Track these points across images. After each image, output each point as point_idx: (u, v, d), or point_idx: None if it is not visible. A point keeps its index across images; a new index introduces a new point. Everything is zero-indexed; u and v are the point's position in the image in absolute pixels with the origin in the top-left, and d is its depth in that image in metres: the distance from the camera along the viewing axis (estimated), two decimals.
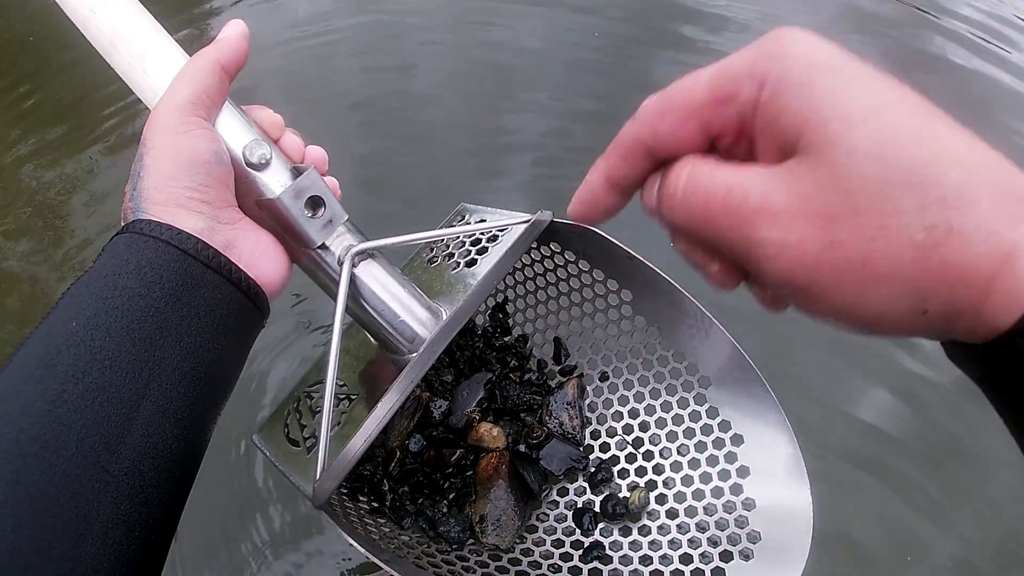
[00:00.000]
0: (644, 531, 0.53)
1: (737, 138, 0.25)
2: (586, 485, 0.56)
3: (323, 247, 0.44)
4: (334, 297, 0.44)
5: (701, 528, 0.51)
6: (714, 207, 0.24)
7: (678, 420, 0.54)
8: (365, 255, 0.46)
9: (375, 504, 0.53)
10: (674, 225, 0.27)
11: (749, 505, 0.48)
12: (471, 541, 0.52)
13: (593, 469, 0.56)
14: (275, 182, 0.42)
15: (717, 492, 0.51)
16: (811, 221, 0.22)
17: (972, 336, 0.22)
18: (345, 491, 0.53)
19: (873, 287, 0.22)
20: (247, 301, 0.39)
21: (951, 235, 0.20)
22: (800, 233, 0.22)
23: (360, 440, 0.41)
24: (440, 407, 0.59)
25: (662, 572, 0.49)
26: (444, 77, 1.11)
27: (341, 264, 0.44)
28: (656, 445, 0.55)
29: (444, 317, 0.46)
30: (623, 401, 0.58)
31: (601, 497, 0.55)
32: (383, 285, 0.46)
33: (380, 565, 0.39)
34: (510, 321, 0.64)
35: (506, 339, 0.64)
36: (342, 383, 0.50)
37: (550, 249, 0.57)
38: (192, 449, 0.37)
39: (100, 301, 0.34)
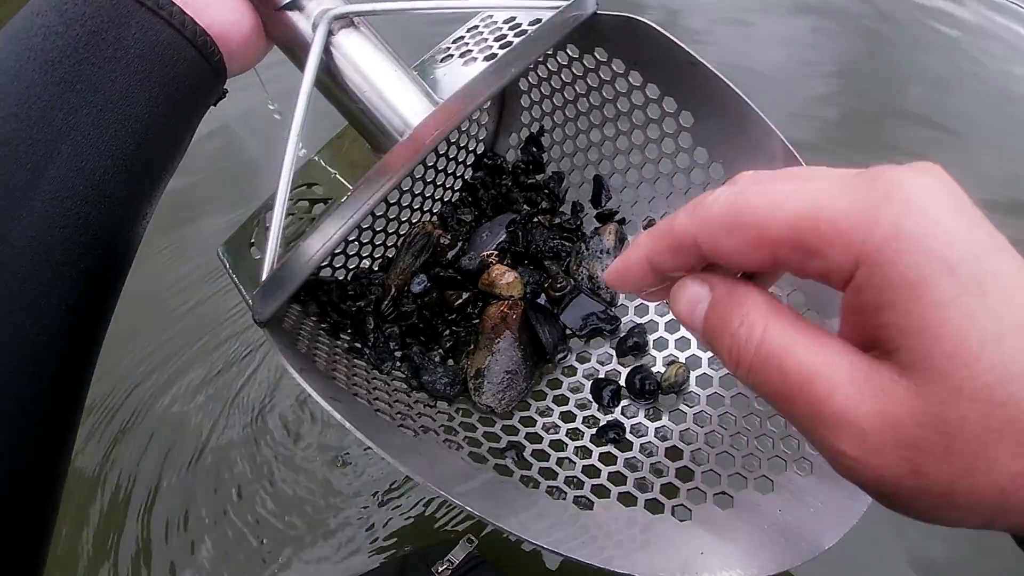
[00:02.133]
0: (677, 417, 0.43)
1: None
2: (613, 352, 0.46)
3: (295, 5, 0.35)
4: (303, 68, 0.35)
5: (749, 425, 0.40)
6: (790, 391, 0.20)
7: None
8: (346, 20, 0.36)
9: (356, 344, 0.45)
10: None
11: None
12: (460, 399, 0.43)
13: (623, 334, 0.46)
14: None
15: None
16: (900, 451, 0.19)
17: None
18: (324, 326, 0.45)
19: (948, 512, 0.20)
20: (192, 51, 0.32)
21: None
22: (886, 460, 0.19)
23: (317, 238, 0.32)
24: (453, 247, 0.49)
25: (692, 472, 0.39)
26: None
27: (315, 30, 0.34)
28: None
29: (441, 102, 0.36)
30: None
31: (629, 369, 0.45)
32: (368, 58, 0.36)
33: (320, 401, 0.31)
34: (544, 156, 0.53)
35: (538, 177, 0.53)
36: (315, 184, 0.41)
37: (595, 59, 0.45)
38: (115, 228, 0.30)
39: (13, 43, 0.29)
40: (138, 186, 0.31)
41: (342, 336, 0.45)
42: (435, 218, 0.53)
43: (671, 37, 0.40)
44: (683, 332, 0.45)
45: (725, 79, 0.40)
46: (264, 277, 0.33)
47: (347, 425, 0.31)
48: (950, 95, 0.86)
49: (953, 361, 0.18)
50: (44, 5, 0.30)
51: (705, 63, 0.40)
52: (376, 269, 0.52)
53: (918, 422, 0.19)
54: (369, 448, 0.31)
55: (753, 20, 0.94)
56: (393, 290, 0.46)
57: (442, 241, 0.49)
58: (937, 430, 0.18)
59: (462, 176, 0.55)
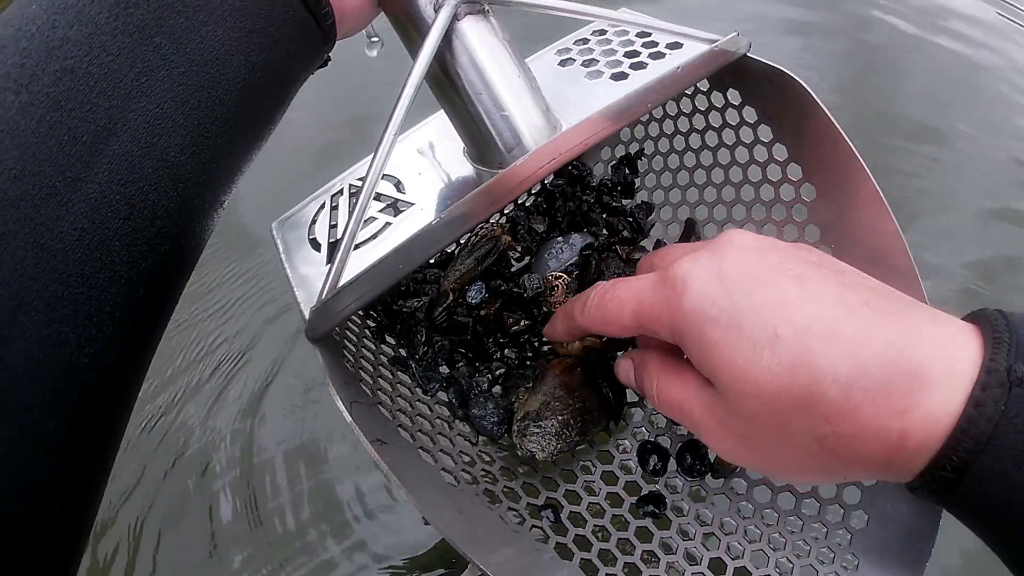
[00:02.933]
0: (720, 503, 0.40)
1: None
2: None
3: None
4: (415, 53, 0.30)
5: (791, 526, 0.37)
6: (677, 414, 0.31)
7: None
8: (476, 6, 0.31)
9: (402, 352, 0.41)
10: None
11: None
12: (501, 440, 0.40)
13: None
14: None
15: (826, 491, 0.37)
16: (734, 439, 0.28)
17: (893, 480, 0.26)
18: (372, 325, 0.41)
19: (791, 474, 0.30)
20: (302, 8, 0.27)
21: (841, 440, 0.24)
22: (728, 443, 0.28)
23: (397, 260, 0.28)
24: (520, 260, 0.45)
25: (725, 565, 0.36)
26: None
27: (438, 11, 0.30)
28: None
29: (562, 128, 0.32)
30: None
31: (683, 441, 0.42)
32: (492, 57, 0.32)
33: (367, 447, 0.28)
34: (637, 181, 0.49)
35: (625, 202, 0.48)
36: (398, 180, 0.37)
37: (724, 99, 0.41)
38: (187, 220, 0.25)
39: None
40: (220, 169, 0.26)
41: (387, 339, 0.41)
42: (505, 220, 0.49)
43: (820, 104, 0.35)
44: None
45: (865, 166, 0.35)
46: (327, 290, 0.29)
47: (393, 479, 0.28)
48: (943, 111, 0.82)
49: (732, 379, 0.26)
50: None
51: (848, 141, 0.35)
52: (432, 263, 0.48)
53: (733, 419, 0.27)
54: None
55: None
56: (451, 296, 0.42)
57: (510, 252, 0.45)
58: (747, 423, 0.27)
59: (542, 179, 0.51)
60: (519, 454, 0.38)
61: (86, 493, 0.25)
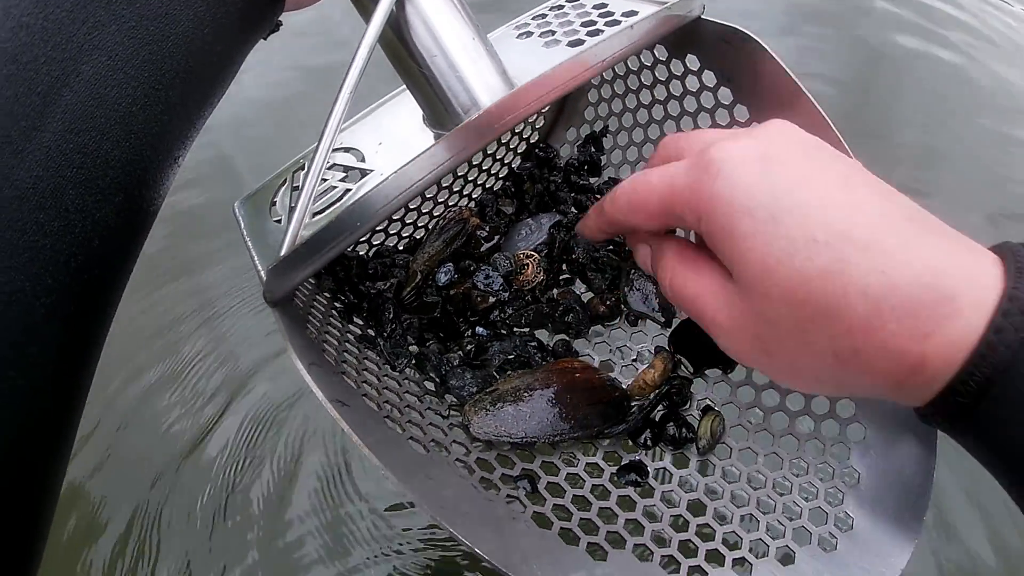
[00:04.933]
0: (704, 467, 0.39)
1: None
2: None
3: None
4: (368, 19, 0.30)
5: (779, 489, 0.37)
6: (689, 308, 0.30)
7: None
8: None
9: (370, 331, 0.40)
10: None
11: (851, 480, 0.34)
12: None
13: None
14: None
15: (815, 449, 0.37)
16: (749, 340, 0.27)
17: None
18: (338, 305, 0.41)
19: (801, 382, 0.28)
20: None
21: (859, 355, 0.24)
22: (741, 345, 0.28)
23: (352, 216, 0.28)
24: (489, 240, 0.45)
25: (713, 531, 0.36)
26: None
27: None
28: None
29: (518, 86, 0.32)
30: None
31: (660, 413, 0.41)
32: (446, 20, 0.31)
33: (325, 405, 0.27)
34: (603, 159, 0.49)
35: (592, 180, 0.48)
36: (359, 152, 0.37)
37: (683, 66, 0.41)
38: (141, 172, 0.25)
39: None
40: (172, 123, 0.26)
41: (355, 320, 0.41)
42: (474, 204, 0.49)
43: (780, 62, 0.36)
44: (732, 375, 0.41)
45: (823, 113, 0.36)
46: (285, 249, 0.29)
47: (354, 438, 0.27)
48: (943, 117, 0.83)
49: (760, 276, 0.25)
50: None
51: (811, 97, 0.36)
52: (401, 249, 0.47)
53: (752, 319, 0.27)
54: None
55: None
56: (419, 276, 0.42)
57: (479, 232, 0.44)
58: (766, 325, 0.26)
59: (509, 164, 0.50)
60: (462, 422, 0.37)
61: (50, 450, 0.25)
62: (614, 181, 0.47)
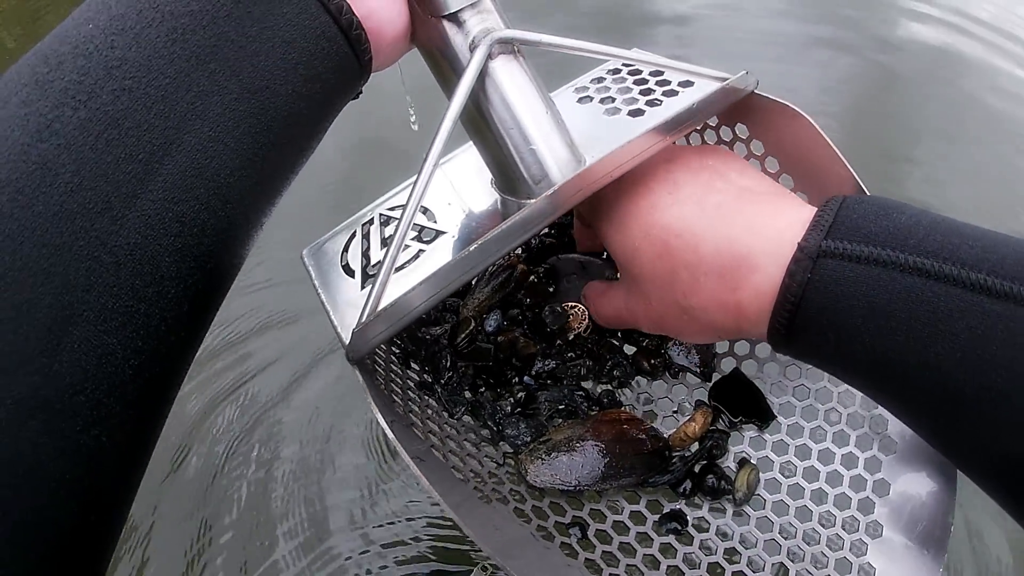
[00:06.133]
0: (739, 517, 0.41)
1: None
2: None
3: (455, 18, 0.32)
4: (450, 93, 0.32)
5: (808, 540, 0.39)
6: (612, 320, 0.40)
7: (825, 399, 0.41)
8: (508, 46, 0.33)
9: (427, 377, 0.42)
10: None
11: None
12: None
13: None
14: None
15: (842, 502, 0.39)
16: (645, 317, 0.36)
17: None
18: (396, 351, 0.43)
19: (686, 336, 0.37)
20: (344, 44, 0.28)
21: (694, 311, 0.32)
22: (646, 323, 0.37)
23: (434, 285, 0.30)
24: (538, 292, 0.47)
25: None
26: None
27: (473, 50, 0.32)
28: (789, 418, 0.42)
29: (586, 162, 0.33)
30: None
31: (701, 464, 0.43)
32: (522, 94, 0.33)
33: (409, 464, 0.29)
34: None
35: None
36: (427, 210, 0.39)
37: (732, 133, 0.43)
38: (231, 240, 0.26)
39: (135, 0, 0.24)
40: (263, 193, 0.28)
41: (412, 365, 0.43)
42: (521, 251, 0.50)
43: (826, 139, 0.37)
44: (764, 434, 0.43)
45: (863, 185, 0.38)
46: (367, 312, 0.31)
47: (434, 494, 0.29)
48: (954, 133, 0.84)
49: (628, 266, 0.34)
50: None
51: (851, 170, 0.37)
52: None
53: (644, 304, 0.35)
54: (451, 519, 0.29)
55: (752, 57, 0.93)
56: (472, 323, 0.44)
57: (527, 281, 0.46)
58: (647, 301, 0.34)
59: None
60: (519, 470, 0.39)
61: (120, 502, 0.26)
62: None
